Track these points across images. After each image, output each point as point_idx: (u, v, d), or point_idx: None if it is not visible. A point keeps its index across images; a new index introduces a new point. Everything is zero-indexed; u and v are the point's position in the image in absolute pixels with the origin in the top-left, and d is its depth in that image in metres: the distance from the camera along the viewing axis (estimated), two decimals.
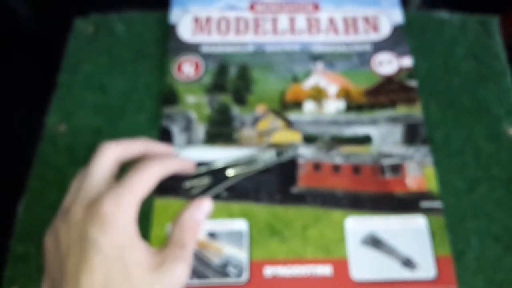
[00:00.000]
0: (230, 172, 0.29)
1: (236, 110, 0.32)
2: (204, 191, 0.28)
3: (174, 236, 0.24)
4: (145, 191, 0.23)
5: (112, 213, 0.21)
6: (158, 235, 0.27)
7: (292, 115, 0.32)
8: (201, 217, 0.25)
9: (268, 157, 0.29)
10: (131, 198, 0.22)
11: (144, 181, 0.23)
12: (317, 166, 0.30)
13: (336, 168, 0.29)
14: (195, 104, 0.32)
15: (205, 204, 0.26)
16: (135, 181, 0.22)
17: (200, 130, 0.31)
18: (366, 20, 0.35)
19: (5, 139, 0.33)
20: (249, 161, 0.29)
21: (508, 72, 0.33)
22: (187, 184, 0.29)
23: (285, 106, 0.32)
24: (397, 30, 0.35)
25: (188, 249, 0.23)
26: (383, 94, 0.32)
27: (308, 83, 0.33)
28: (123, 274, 0.20)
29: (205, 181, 0.29)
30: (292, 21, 0.36)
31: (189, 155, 0.30)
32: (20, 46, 0.37)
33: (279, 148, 0.30)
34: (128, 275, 0.20)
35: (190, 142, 0.31)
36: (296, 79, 0.33)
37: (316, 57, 0.34)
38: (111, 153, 0.23)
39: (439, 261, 0.26)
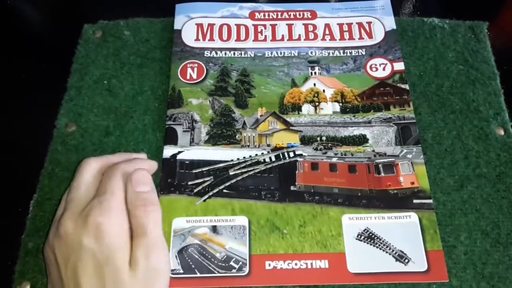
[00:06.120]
0: (231, 172, 0.30)
1: (237, 113, 0.33)
2: (206, 189, 0.30)
3: (133, 227, 0.23)
4: (124, 192, 0.24)
5: (103, 222, 0.22)
6: (164, 231, 0.27)
7: (291, 117, 0.33)
8: (143, 188, 0.24)
9: (269, 159, 0.31)
10: (115, 202, 0.23)
11: (121, 184, 0.24)
12: (314, 166, 0.31)
13: (332, 167, 0.31)
14: (199, 106, 0.34)
15: (137, 175, 0.24)
16: (113, 186, 0.23)
17: (203, 131, 0.32)
18: (361, 26, 0.37)
19: (18, 140, 0.34)
20: (250, 163, 0.31)
21: (497, 75, 0.35)
22: (191, 182, 0.30)
23: (284, 109, 0.34)
24: (390, 36, 0.36)
25: (152, 233, 0.23)
26: (377, 96, 0.34)
27: (306, 87, 0.35)
28: (114, 276, 0.22)
29: (208, 180, 0.30)
30: (290, 28, 0.37)
31: (193, 154, 0.31)
32: (31, 51, 0.38)
33: (280, 150, 0.31)
34: (118, 277, 0.22)
35: (193, 142, 0.32)
36: (294, 83, 0.35)
37: (313, 62, 0.36)
38: (92, 166, 0.25)
39: (430, 255, 0.27)
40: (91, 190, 0.24)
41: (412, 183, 0.30)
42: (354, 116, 0.33)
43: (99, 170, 0.25)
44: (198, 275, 0.26)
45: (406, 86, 0.34)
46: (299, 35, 0.37)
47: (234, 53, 0.36)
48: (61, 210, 0.24)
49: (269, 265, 0.27)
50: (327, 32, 0.37)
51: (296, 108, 0.34)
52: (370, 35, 0.36)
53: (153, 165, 0.27)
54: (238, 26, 0.37)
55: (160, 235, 0.23)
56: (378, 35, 0.36)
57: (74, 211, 0.23)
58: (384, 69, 0.35)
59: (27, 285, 0.27)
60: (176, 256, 0.27)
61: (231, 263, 0.27)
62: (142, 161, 0.26)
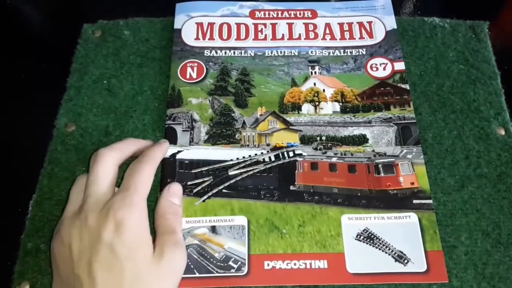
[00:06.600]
0: (231, 172, 0.30)
1: (237, 112, 0.33)
2: (206, 189, 0.30)
3: (161, 225, 0.25)
4: (147, 189, 0.25)
5: (125, 217, 0.22)
6: None
7: (291, 117, 0.33)
8: (176, 200, 0.27)
9: (268, 158, 0.31)
10: (138, 199, 0.23)
11: (143, 180, 0.24)
12: (314, 165, 0.31)
13: (332, 167, 0.31)
14: (198, 105, 0.34)
15: (175, 187, 0.27)
16: (136, 183, 0.24)
17: (202, 130, 0.33)
18: (361, 25, 0.37)
19: (17, 140, 0.34)
20: (250, 162, 0.31)
21: (498, 75, 0.35)
22: (190, 182, 0.30)
23: (284, 108, 0.34)
24: (391, 35, 0.36)
25: (179, 234, 0.25)
26: (377, 96, 0.34)
27: (306, 86, 0.35)
28: (134, 272, 0.22)
29: (207, 180, 0.30)
30: (290, 27, 0.37)
31: (192, 154, 0.31)
32: (31, 51, 0.38)
33: (279, 150, 0.31)
34: (139, 272, 0.22)
35: (193, 142, 0.32)
36: (294, 83, 0.35)
37: (313, 61, 0.36)
38: (110, 159, 0.25)
39: (430, 255, 0.27)
40: (109, 184, 0.24)
41: (412, 183, 0.30)
42: (354, 116, 0.33)
43: (114, 163, 0.25)
44: (197, 275, 0.26)
45: (407, 86, 0.34)
46: (300, 34, 0.37)
47: (234, 52, 0.36)
48: (71, 205, 0.25)
49: (268, 265, 0.27)
50: (327, 31, 0.37)
51: (296, 107, 0.34)
52: (370, 35, 0.36)
53: (165, 148, 0.29)
54: (238, 25, 0.37)
55: (183, 240, 0.25)
56: (379, 35, 0.36)
57: (94, 206, 0.23)
58: (384, 68, 0.35)
59: (26, 285, 0.27)
60: None
61: (230, 263, 0.27)
62: (157, 148, 0.27)
